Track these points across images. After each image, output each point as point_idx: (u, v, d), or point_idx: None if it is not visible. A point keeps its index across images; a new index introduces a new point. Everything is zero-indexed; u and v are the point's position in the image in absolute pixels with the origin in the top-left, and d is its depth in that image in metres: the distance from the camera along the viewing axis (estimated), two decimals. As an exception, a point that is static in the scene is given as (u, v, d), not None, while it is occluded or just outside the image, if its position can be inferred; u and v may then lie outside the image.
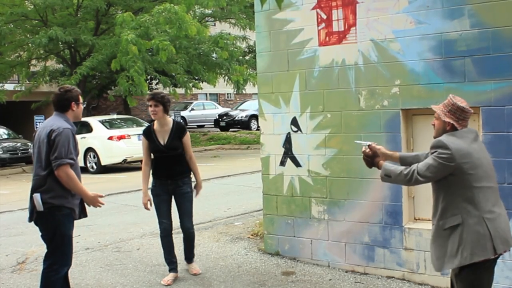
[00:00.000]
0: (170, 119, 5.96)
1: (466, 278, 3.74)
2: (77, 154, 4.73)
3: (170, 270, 6.04)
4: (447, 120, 3.76)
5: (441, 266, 3.78)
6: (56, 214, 4.59)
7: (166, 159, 5.83)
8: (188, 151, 5.97)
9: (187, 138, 5.98)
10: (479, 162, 3.70)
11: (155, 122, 5.95)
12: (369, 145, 4.16)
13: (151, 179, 6.01)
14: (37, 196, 4.55)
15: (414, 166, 3.76)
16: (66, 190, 4.57)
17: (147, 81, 22.52)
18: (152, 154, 5.96)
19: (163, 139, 5.84)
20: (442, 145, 3.67)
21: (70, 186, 4.57)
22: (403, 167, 3.85)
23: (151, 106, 5.81)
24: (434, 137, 3.87)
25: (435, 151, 3.69)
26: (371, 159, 4.14)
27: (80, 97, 4.91)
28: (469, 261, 3.65)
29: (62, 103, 4.78)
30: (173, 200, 6.02)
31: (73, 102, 4.79)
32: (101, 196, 4.87)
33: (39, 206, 4.54)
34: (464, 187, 3.65)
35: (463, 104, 3.78)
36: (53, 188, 4.54)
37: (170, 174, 5.87)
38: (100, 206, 4.83)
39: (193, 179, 6.08)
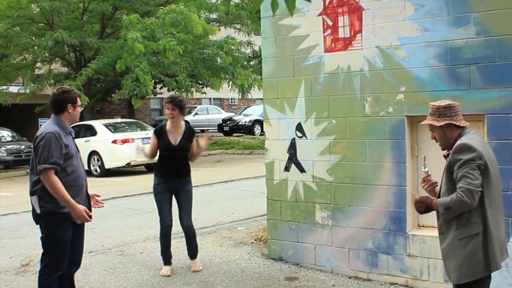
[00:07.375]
0: (183, 122, 6.25)
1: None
2: (68, 157, 4.47)
3: (166, 264, 6.33)
4: (443, 123, 3.73)
5: (459, 278, 3.62)
6: (51, 218, 4.47)
7: (174, 159, 6.11)
8: (193, 150, 6.33)
9: (195, 140, 6.37)
10: (493, 161, 3.69)
11: (168, 123, 6.20)
12: (427, 171, 3.89)
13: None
14: (34, 198, 4.46)
15: (461, 189, 3.49)
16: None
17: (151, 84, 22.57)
18: (158, 152, 6.22)
19: (174, 140, 6.12)
20: (468, 147, 3.56)
21: (54, 194, 4.36)
22: (449, 198, 3.57)
23: (168, 108, 6.12)
24: (443, 148, 3.83)
25: (461, 159, 3.54)
26: (424, 203, 3.79)
27: (79, 100, 4.69)
28: (487, 273, 3.60)
29: (57, 104, 4.58)
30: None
31: (69, 104, 4.58)
32: (98, 196, 4.78)
33: (37, 208, 4.47)
34: (484, 188, 3.54)
35: (446, 102, 3.78)
36: (44, 194, 4.42)
37: (176, 173, 6.16)
38: (87, 221, 4.53)
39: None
